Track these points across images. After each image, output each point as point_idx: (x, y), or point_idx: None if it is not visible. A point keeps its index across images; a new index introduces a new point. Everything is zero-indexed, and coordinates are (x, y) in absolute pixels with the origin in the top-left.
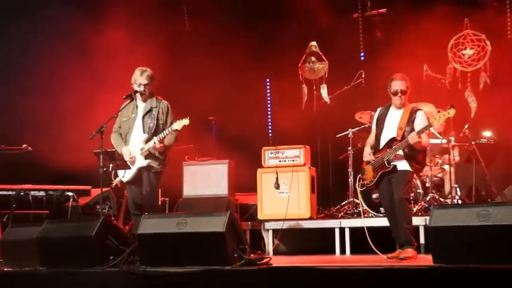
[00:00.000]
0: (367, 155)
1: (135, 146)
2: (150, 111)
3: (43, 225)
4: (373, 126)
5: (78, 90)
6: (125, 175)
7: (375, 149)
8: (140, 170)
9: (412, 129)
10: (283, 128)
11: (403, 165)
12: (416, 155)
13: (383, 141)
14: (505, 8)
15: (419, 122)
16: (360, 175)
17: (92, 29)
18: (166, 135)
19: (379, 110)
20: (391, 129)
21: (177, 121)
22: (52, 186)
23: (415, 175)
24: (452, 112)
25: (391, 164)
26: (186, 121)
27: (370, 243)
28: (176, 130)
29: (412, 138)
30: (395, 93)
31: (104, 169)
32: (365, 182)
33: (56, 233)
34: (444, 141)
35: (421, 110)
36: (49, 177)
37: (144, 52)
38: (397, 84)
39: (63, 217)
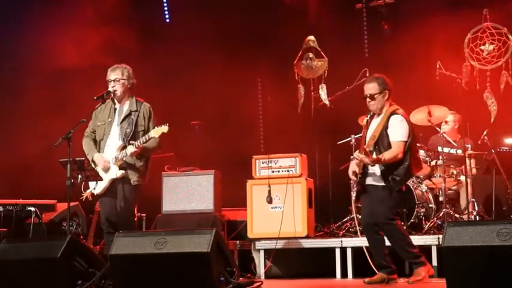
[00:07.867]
0: (351, 172)
1: (109, 155)
2: (129, 115)
3: (0, 246)
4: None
5: (40, 88)
6: (96, 187)
7: None
8: (114, 182)
9: (387, 138)
10: (276, 134)
11: (374, 179)
12: (389, 166)
13: None
14: None
15: (393, 129)
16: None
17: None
18: (143, 143)
19: (368, 116)
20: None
21: (155, 128)
22: (11, 200)
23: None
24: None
25: (363, 181)
26: (164, 128)
27: (372, 265)
28: (153, 138)
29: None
30: (364, 99)
31: (71, 181)
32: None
33: (15, 255)
34: (460, 151)
35: (397, 114)
36: (7, 190)
37: (113, 46)
38: (365, 88)
39: (24, 236)
